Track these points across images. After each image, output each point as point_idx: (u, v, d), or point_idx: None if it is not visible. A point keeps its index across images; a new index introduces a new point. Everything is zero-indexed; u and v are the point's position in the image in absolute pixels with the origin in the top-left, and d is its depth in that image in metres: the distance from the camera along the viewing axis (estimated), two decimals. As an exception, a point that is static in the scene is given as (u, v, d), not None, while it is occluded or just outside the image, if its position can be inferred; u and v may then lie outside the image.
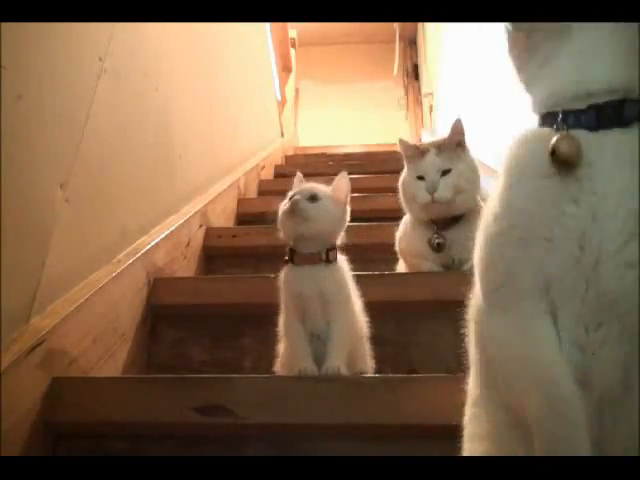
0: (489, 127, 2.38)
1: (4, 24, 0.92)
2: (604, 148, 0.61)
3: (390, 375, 1.07)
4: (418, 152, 1.43)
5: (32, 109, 1.02)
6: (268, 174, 3.29)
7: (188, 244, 1.73)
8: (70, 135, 1.16)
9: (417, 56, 6.23)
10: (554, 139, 0.62)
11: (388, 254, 1.58)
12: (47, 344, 0.99)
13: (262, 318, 1.11)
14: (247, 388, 1.02)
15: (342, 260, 1.08)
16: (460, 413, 0.74)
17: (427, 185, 1.37)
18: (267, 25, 4.15)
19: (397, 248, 1.55)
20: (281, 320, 1.09)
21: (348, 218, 1.10)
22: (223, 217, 2.17)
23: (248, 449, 1.00)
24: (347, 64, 6.49)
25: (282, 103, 4.68)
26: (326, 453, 0.98)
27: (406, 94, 6.36)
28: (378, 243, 1.68)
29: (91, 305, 1.13)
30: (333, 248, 1.07)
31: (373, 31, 6.12)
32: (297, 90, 6.02)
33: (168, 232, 1.58)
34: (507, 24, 0.66)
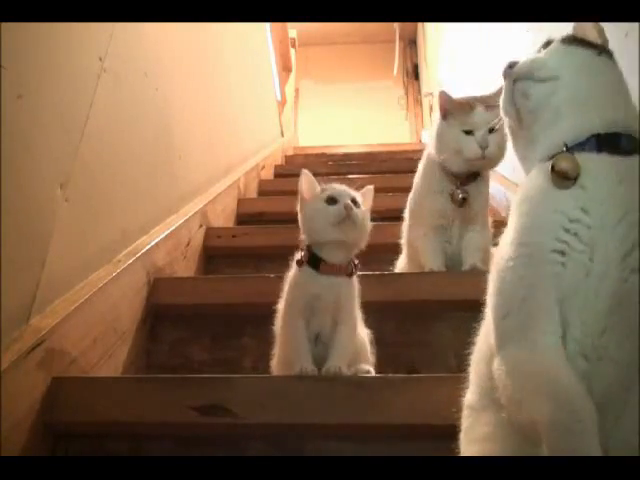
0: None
1: (4, 24, 0.92)
2: (605, 165, 0.64)
3: (390, 375, 1.07)
4: (464, 106, 1.39)
5: (32, 109, 1.02)
6: (268, 174, 3.29)
7: (188, 244, 1.73)
8: (70, 135, 1.16)
9: (417, 56, 6.23)
10: (554, 159, 0.65)
11: (388, 254, 1.58)
12: (47, 344, 0.99)
13: (262, 318, 1.11)
14: (247, 388, 1.02)
15: None
16: (461, 413, 0.74)
17: (479, 140, 1.35)
18: (267, 25, 4.15)
19: (405, 214, 1.53)
20: (280, 318, 1.08)
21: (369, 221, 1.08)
22: (223, 217, 2.17)
23: (248, 449, 1.00)
24: (347, 64, 6.48)
25: (282, 103, 4.68)
26: (326, 453, 0.98)
27: (406, 94, 6.37)
28: (378, 243, 1.68)
29: (91, 305, 1.13)
30: (356, 260, 1.06)
31: (373, 31, 6.12)
32: (297, 90, 6.02)
33: (168, 232, 1.58)
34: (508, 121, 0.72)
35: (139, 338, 1.34)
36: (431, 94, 4.87)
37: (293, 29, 5.29)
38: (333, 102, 6.25)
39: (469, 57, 2.95)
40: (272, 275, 1.43)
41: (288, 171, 3.48)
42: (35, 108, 1.03)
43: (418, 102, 6.04)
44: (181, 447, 1.01)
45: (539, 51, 0.72)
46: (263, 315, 1.11)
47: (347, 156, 4.11)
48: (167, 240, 1.56)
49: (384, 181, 2.64)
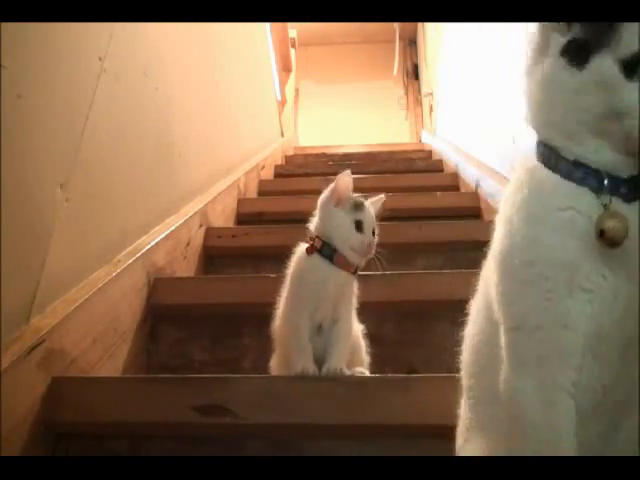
0: (489, 127, 2.38)
1: (4, 24, 0.92)
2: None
3: (390, 375, 1.07)
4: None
5: (32, 109, 1.02)
6: (268, 174, 3.29)
7: (188, 244, 1.73)
8: (70, 135, 1.16)
9: (417, 56, 6.23)
10: (600, 217, 0.58)
11: (389, 254, 1.58)
12: (47, 344, 0.99)
13: (262, 318, 1.11)
14: (247, 388, 1.02)
15: None
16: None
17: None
18: (267, 25, 4.15)
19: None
20: (281, 315, 1.07)
21: None
22: (223, 217, 2.16)
23: (248, 449, 1.00)
24: (347, 64, 6.49)
25: (282, 103, 4.68)
26: (326, 453, 0.98)
27: (406, 94, 6.37)
28: (378, 243, 1.68)
29: (91, 305, 1.13)
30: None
31: (373, 31, 6.12)
32: (297, 90, 6.02)
33: (168, 232, 1.58)
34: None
35: (139, 338, 1.34)
36: (431, 94, 4.87)
37: (293, 29, 5.30)
38: (333, 102, 6.25)
39: (469, 57, 2.95)
40: (272, 275, 1.43)
41: (288, 171, 3.48)
42: (35, 108, 1.03)
43: (418, 102, 6.04)
44: (181, 447, 1.01)
45: None
46: (263, 315, 1.11)
47: (347, 156, 4.11)
48: (167, 240, 1.56)
49: (384, 181, 2.64)
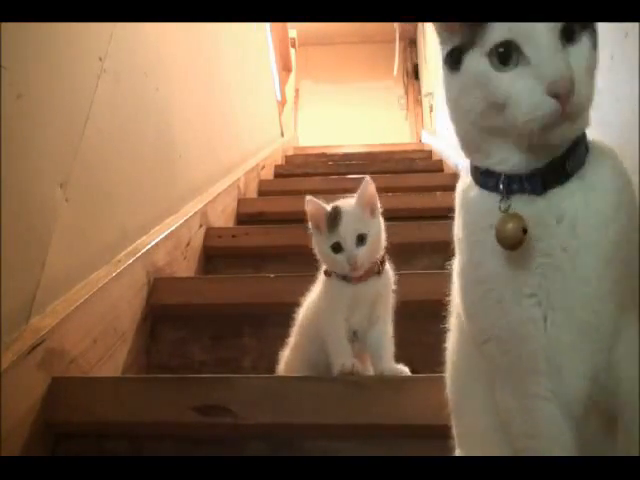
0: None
1: (4, 24, 0.92)
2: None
3: (389, 375, 1.06)
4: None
5: (32, 108, 1.02)
6: (268, 174, 3.29)
7: (188, 244, 1.73)
8: (70, 135, 1.16)
9: (417, 56, 6.23)
10: (497, 223, 0.58)
11: (388, 254, 1.58)
12: (47, 344, 0.99)
13: (262, 318, 1.11)
14: (247, 388, 1.02)
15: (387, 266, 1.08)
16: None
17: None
18: (267, 25, 4.15)
19: None
20: (319, 313, 1.06)
21: (383, 223, 1.07)
22: (223, 217, 2.16)
23: (248, 449, 1.00)
24: (347, 64, 6.49)
25: (282, 103, 4.68)
26: (326, 453, 0.98)
27: (406, 94, 6.37)
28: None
29: (91, 305, 1.13)
30: (382, 259, 1.07)
31: (373, 31, 6.12)
32: (297, 90, 6.02)
33: (168, 232, 1.58)
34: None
35: (139, 338, 1.34)
36: (431, 94, 4.87)
37: (293, 29, 5.30)
38: (333, 102, 6.25)
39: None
40: (272, 275, 1.44)
41: (288, 171, 3.48)
42: (35, 108, 1.03)
43: (418, 102, 6.04)
44: (181, 447, 1.01)
45: None
46: (263, 315, 1.11)
47: (347, 156, 4.11)
48: (167, 240, 1.56)
49: (384, 181, 2.64)
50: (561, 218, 0.58)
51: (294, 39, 5.40)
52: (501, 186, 0.59)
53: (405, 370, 1.04)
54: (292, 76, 5.37)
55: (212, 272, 1.85)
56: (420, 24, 5.72)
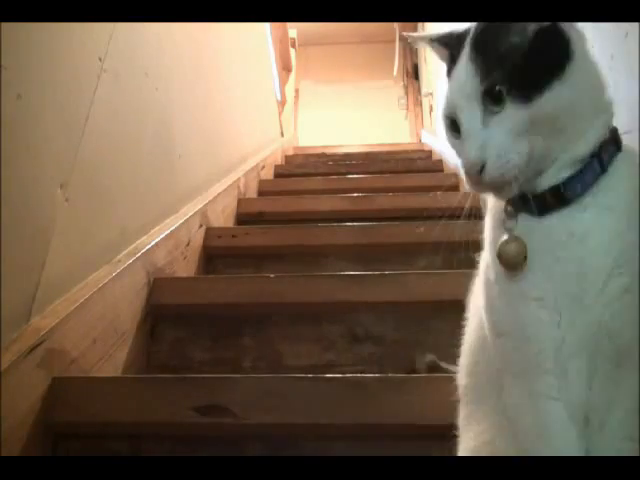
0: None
1: (4, 24, 0.92)
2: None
3: (390, 375, 1.07)
4: None
5: (32, 109, 1.02)
6: (268, 174, 3.29)
7: (188, 244, 1.73)
8: (70, 135, 1.16)
9: (417, 56, 6.23)
10: (500, 243, 0.61)
11: (388, 254, 1.58)
12: (47, 344, 0.99)
13: (262, 318, 1.11)
14: (247, 388, 1.02)
15: None
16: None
17: None
18: (267, 25, 4.15)
19: None
20: None
21: None
22: (223, 217, 2.16)
23: (248, 449, 1.00)
24: (347, 64, 6.49)
25: (282, 103, 4.68)
26: (326, 453, 0.98)
27: (406, 94, 6.37)
28: (378, 243, 1.68)
29: (91, 305, 1.13)
30: None
31: (373, 31, 6.12)
32: (297, 90, 6.02)
33: (168, 232, 1.58)
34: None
35: (139, 338, 1.34)
36: (431, 94, 4.87)
37: (293, 29, 5.30)
38: (333, 102, 6.25)
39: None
40: (272, 275, 1.44)
41: (288, 171, 3.48)
42: (35, 108, 1.03)
43: (418, 102, 6.04)
44: (181, 447, 1.01)
45: None
46: (263, 315, 1.11)
47: (347, 156, 4.11)
48: (167, 240, 1.56)
49: (385, 181, 2.64)
50: (571, 234, 0.59)
51: (294, 39, 5.40)
52: (508, 207, 0.62)
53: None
54: (292, 76, 5.37)
55: (212, 272, 1.85)
56: (420, 24, 5.72)
